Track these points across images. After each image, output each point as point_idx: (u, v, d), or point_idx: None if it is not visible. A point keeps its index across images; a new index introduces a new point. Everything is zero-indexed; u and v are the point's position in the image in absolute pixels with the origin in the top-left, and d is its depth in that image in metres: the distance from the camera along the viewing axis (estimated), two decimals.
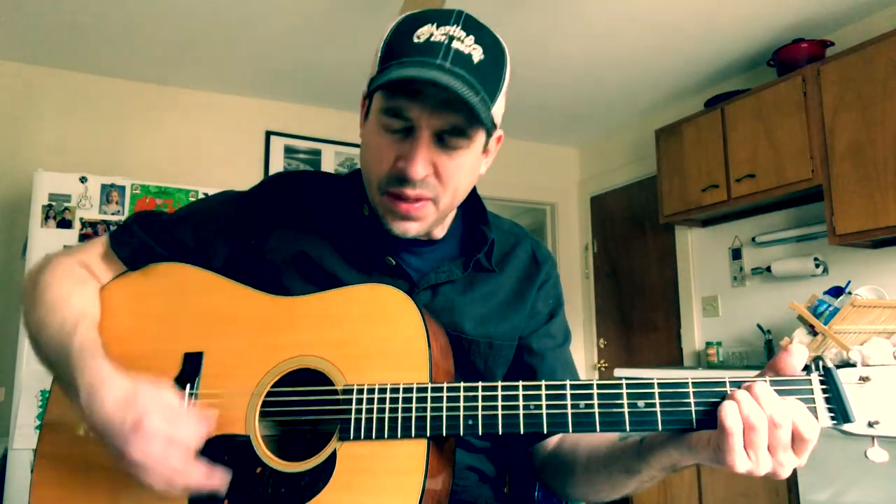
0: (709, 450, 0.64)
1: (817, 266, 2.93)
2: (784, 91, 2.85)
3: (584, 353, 4.37)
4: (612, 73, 3.44)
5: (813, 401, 0.65)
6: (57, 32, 2.98)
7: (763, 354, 3.15)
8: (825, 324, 2.52)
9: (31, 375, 2.61)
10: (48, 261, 0.92)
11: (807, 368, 0.67)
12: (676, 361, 3.73)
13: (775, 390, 0.64)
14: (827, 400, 0.65)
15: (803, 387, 0.65)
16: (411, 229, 0.83)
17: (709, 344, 3.36)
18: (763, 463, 0.62)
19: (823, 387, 0.65)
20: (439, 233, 0.93)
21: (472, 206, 0.98)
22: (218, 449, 0.76)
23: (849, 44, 2.74)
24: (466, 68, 0.75)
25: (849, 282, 2.72)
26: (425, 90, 0.75)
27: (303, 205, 0.95)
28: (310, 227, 0.92)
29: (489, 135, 0.83)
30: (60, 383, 0.82)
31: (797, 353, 0.66)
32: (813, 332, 2.61)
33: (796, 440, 0.62)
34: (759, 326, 3.17)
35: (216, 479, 0.72)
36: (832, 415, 0.64)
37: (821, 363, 0.65)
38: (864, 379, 0.64)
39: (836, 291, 2.68)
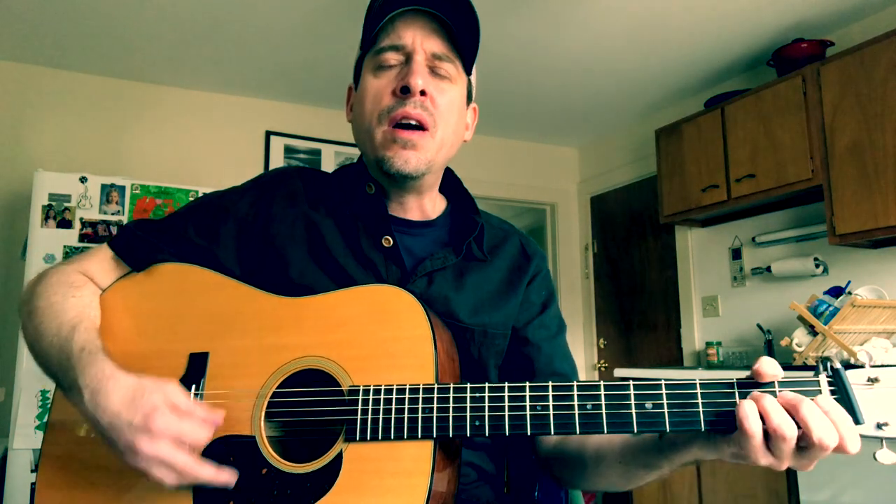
0: (731, 448, 0.65)
1: (817, 266, 2.93)
2: (784, 91, 2.85)
3: (584, 353, 4.37)
4: (613, 73, 3.44)
5: None
6: (57, 32, 2.98)
7: (763, 354, 3.14)
8: (825, 324, 2.52)
9: (31, 375, 2.61)
10: (43, 272, 0.91)
11: (815, 370, 0.66)
12: (676, 361, 3.73)
13: (786, 390, 0.64)
14: (835, 402, 0.64)
15: (812, 388, 0.65)
16: (412, 159, 0.87)
17: (709, 344, 3.37)
18: (786, 462, 0.63)
19: (832, 388, 0.65)
20: (430, 206, 0.98)
21: (461, 197, 1.01)
22: (223, 450, 0.76)
23: (849, 44, 2.75)
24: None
25: (849, 282, 2.72)
26: (415, 21, 0.87)
27: (304, 190, 0.96)
28: (311, 210, 0.94)
29: (470, 97, 0.96)
30: (62, 388, 0.80)
31: (768, 366, 0.66)
32: (813, 332, 2.61)
33: (836, 450, 0.62)
34: (759, 326, 3.17)
35: (224, 476, 0.72)
36: None
37: (829, 364, 0.65)
38: (872, 380, 0.63)
39: (836, 291, 2.69)
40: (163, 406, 0.70)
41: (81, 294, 0.87)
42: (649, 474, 0.77)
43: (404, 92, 0.86)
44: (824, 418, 0.61)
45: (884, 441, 0.62)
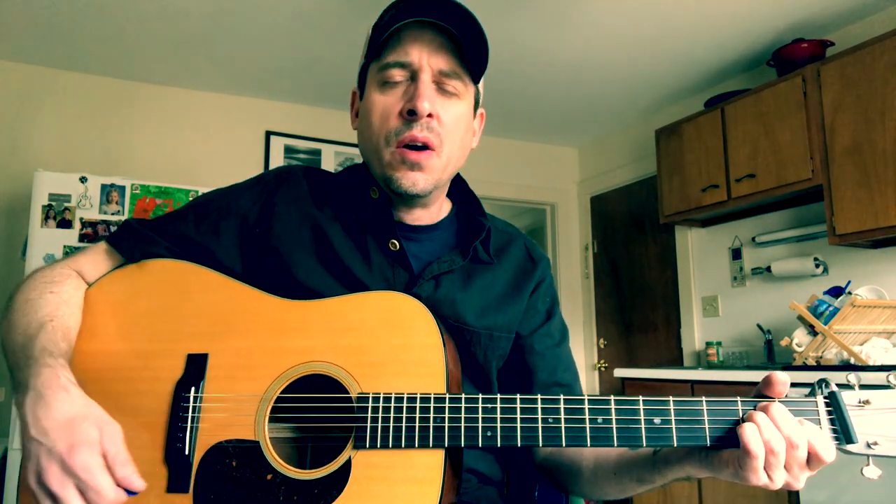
0: (730, 468, 0.68)
1: (817, 266, 2.93)
2: (784, 91, 2.85)
3: (584, 354, 4.38)
4: (612, 73, 3.44)
5: (818, 422, 0.69)
6: (56, 32, 2.97)
7: (763, 354, 3.16)
8: (825, 324, 2.52)
9: None
10: (36, 269, 0.89)
11: (811, 391, 0.71)
12: (676, 361, 3.74)
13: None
14: (831, 421, 0.69)
15: (809, 408, 0.70)
16: (419, 181, 0.86)
17: (709, 344, 3.37)
18: (779, 479, 0.66)
19: (828, 409, 0.69)
20: (436, 211, 0.98)
21: (467, 199, 1.01)
22: (226, 454, 0.75)
23: (849, 44, 2.74)
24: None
25: (849, 282, 2.73)
26: (422, 36, 0.85)
27: (309, 190, 0.95)
28: (316, 211, 0.93)
29: (477, 104, 0.94)
30: (13, 385, 0.76)
31: (780, 382, 0.69)
32: (813, 332, 2.61)
33: (812, 460, 0.66)
34: (759, 326, 3.17)
35: None
36: (835, 435, 0.69)
37: (825, 386, 0.70)
38: (863, 402, 0.69)
39: (836, 291, 2.69)
40: (94, 445, 0.66)
41: (59, 290, 0.84)
42: (641, 487, 0.79)
43: (411, 114, 0.85)
44: (792, 419, 0.67)
45: (869, 458, 0.68)
